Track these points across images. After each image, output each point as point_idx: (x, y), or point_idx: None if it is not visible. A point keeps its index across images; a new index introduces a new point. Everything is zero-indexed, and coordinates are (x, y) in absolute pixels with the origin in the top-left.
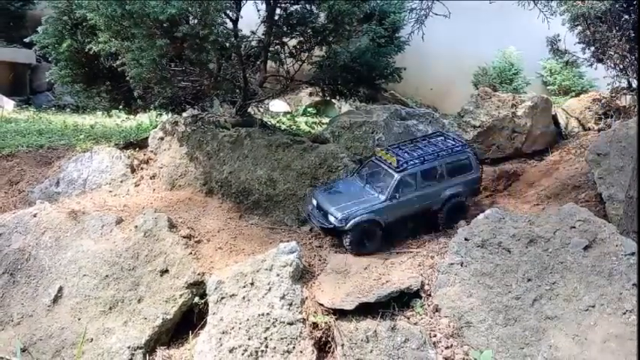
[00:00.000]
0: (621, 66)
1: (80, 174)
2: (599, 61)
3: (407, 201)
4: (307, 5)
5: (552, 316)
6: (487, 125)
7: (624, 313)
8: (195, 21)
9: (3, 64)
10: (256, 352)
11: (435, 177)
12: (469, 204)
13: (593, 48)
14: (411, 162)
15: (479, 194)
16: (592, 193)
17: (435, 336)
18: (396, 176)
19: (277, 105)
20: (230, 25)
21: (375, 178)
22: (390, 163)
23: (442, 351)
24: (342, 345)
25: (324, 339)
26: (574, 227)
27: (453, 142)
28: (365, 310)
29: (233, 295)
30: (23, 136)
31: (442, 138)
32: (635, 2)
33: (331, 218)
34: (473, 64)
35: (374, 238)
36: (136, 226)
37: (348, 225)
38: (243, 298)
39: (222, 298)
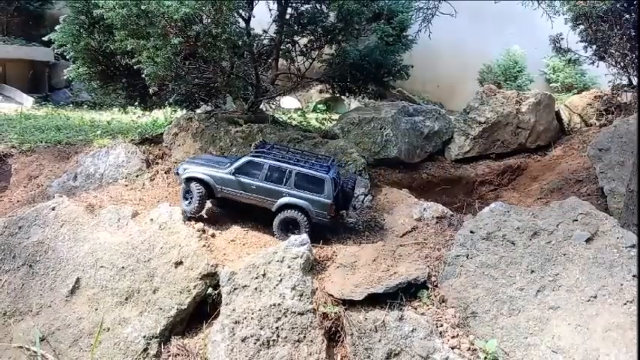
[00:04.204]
0: (622, 64)
1: (97, 169)
2: (601, 59)
3: (246, 185)
4: (318, 5)
5: (555, 307)
6: (492, 121)
7: (625, 304)
8: (209, 20)
9: (22, 62)
10: (268, 341)
11: (282, 180)
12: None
13: (594, 46)
14: (267, 153)
15: (330, 223)
16: (594, 187)
17: (441, 326)
18: (246, 158)
19: (288, 102)
20: (242, 24)
21: (236, 158)
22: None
23: (448, 340)
24: (352, 334)
25: (333, 329)
26: (576, 220)
27: (325, 164)
28: (373, 300)
29: (245, 286)
30: (42, 132)
31: (326, 161)
32: (635, 2)
33: (180, 168)
34: (478, 61)
35: (199, 199)
36: (152, 219)
37: (184, 175)
38: (256, 289)
39: (235, 289)
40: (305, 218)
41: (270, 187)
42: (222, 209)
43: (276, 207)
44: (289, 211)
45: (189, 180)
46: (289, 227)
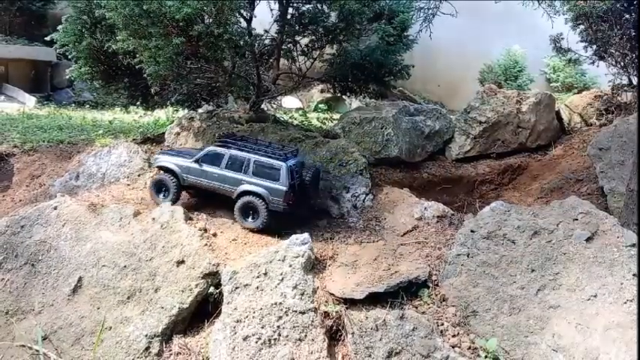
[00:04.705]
0: (622, 64)
1: (99, 168)
2: (601, 58)
3: (208, 173)
4: (319, 5)
5: (556, 306)
6: (493, 121)
7: (625, 303)
8: (211, 20)
9: (25, 61)
10: (269, 340)
11: (241, 168)
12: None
13: (595, 46)
14: (230, 143)
15: (288, 211)
16: (594, 187)
17: (442, 325)
18: (209, 147)
19: (290, 101)
20: (244, 24)
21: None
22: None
23: (449, 339)
24: (353, 333)
25: (334, 327)
26: (576, 219)
27: (284, 153)
28: (374, 299)
29: (247, 285)
30: (44, 132)
31: (288, 151)
32: (635, 2)
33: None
34: (479, 61)
35: (169, 189)
36: (153, 219)
37: (155, 164)
38: (257, 287)
39: (237, 287)
40: (264, 204)
41: (230, 175)
42: (197, 198)
43: (236, 194)
44: (248, 197)
45: (160, 169)
46: (249, 212)
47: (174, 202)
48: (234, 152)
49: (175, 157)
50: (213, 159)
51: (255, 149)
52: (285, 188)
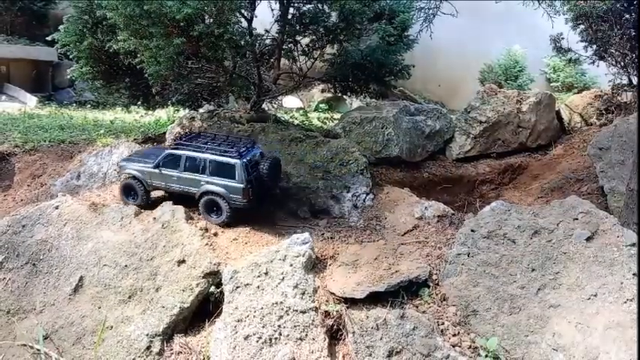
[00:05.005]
0: (622, 63)
1: (100, 167)
2: (601, 58)
3: (168, 176)
4: (319, 5)
5: (556, 305)
6: (493, 120)
7: (625, 302)
8: (211, 20)
9: (26, 61)
10: (270, 339)
11: (199, 169)
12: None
13: (595, 46)
14: (185, 144)
15: (248, 206)
16: (594, 186)
17: (442, 324)
18: (167, 151)
19: (290, 101)
20: (245, 23)
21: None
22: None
23: (449, 338)
24: (353, 332)
25: (335, 327)
26: (577, 219)
27: (238, 150)
28: (375, 298)
29: (248, 284)
30: (45, 131)
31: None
32: (635, 2)
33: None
34: (479, 61)
35: (136, 193)
36: (154, 218)
37: (120, 172)
38: (258, 287)
39: (238, 287)
40: (226, 203)
41: (189, 176)
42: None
43: (198, 195)
44: (210, 196)
45: (127, 176)
46: (213, 208)
47: (144, 204)
48: (189, 154)
49: (138, 162)
50: (172, 162)
51: (211, 148)
52: (242, 185)
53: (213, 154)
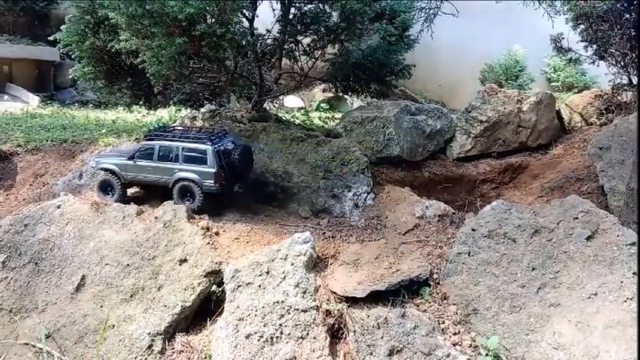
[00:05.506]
0: (622, 63)
1: None
2: (601, 58)
3: (143, 167)
4: (321, 5)
5: (556, 304)
6: (493, 120)
7: (625, 301)
8: (213, 20)
9: (28, 61)
10: (271, 338)
11: (172, 157)
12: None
13: (595, 46)
14: (158, 135)
15: (221, 191)
16: (594, 186)
17: (443, 323)
18: (141, 143)
19: (292, 101)
20: (246, 23)
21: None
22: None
23: (450, 337)
24: (354, 331)
25: (336, 326)
26: (577, 218)
27: (210, 137)
28: (376, 297)
29: (249, 283)
30: (48, 131)
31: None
32: (635, 2)
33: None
34: (480, 61)
35: (113, 189)
36: (156, 217)
37: (97, 167)
38: (259, 286)
39: (239, 286)
40: (198, 188)
41: (163, 165)
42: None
43: (172, 183)
44: (184, 182)
45: (102, 170)
46: (186, 195)
47: (120, 200)
48: (163, 143)
49: (114, 157)
50: (146, 153)
51: (184, 137)
52: (214, 170)
53: (185, 141)
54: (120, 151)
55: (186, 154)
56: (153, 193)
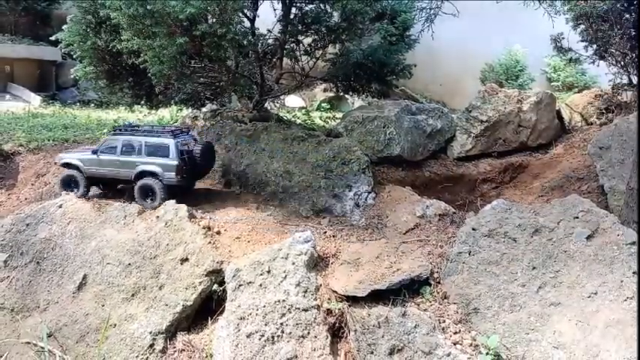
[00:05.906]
0: (622, 63)
1: None
2: (601, 58)
3: (105, 161)
4: (322, 5)
5: (556, 303)
6: (494, 120)
7: (625, 300)
8: (214, 20)
9: (30, 61)
10: (272, 337)
11: (135, 151)
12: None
13: (595, 46)
14: (123, 131)
15: (182, 184)
16: (594, 185)
17: (443, 322)
18: (105, 138)
19: (293, 100)
20: (247, 23)
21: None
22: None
23: (451, 336)
24: (355, 330)
25: (337, 324)
26: (577, 217)
27: (172, 132)
28: (377, 296)
29: (250, 282)
30: (49, 130)
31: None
32: (635, 2)
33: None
34: (480, 61)
35: (77, 183)
36: (157, 217)
37: (60, 162)
38: (260, 285)
39: (240, 285)
40: (159, 183)
41: (125, 159)
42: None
43: (134, 175)
44: (145, 179)
45: (64, 166)
46: (148, 194)
47: (84, 195)
48: (126, 137)
49: (77, 152)
50: (110, 148)
51: (147, 132)
52: (176, 162)
53: (148, 136)
54: (84, 147)
55: (149, 147)
56: (117, 195)
